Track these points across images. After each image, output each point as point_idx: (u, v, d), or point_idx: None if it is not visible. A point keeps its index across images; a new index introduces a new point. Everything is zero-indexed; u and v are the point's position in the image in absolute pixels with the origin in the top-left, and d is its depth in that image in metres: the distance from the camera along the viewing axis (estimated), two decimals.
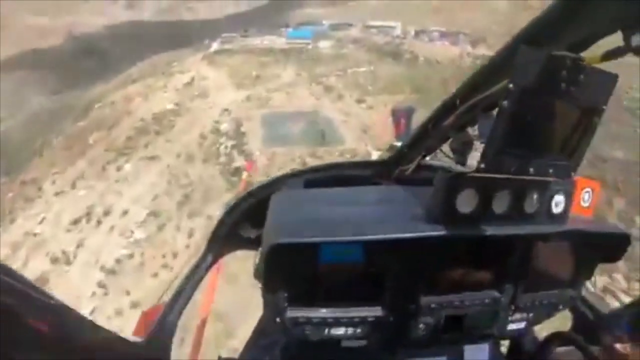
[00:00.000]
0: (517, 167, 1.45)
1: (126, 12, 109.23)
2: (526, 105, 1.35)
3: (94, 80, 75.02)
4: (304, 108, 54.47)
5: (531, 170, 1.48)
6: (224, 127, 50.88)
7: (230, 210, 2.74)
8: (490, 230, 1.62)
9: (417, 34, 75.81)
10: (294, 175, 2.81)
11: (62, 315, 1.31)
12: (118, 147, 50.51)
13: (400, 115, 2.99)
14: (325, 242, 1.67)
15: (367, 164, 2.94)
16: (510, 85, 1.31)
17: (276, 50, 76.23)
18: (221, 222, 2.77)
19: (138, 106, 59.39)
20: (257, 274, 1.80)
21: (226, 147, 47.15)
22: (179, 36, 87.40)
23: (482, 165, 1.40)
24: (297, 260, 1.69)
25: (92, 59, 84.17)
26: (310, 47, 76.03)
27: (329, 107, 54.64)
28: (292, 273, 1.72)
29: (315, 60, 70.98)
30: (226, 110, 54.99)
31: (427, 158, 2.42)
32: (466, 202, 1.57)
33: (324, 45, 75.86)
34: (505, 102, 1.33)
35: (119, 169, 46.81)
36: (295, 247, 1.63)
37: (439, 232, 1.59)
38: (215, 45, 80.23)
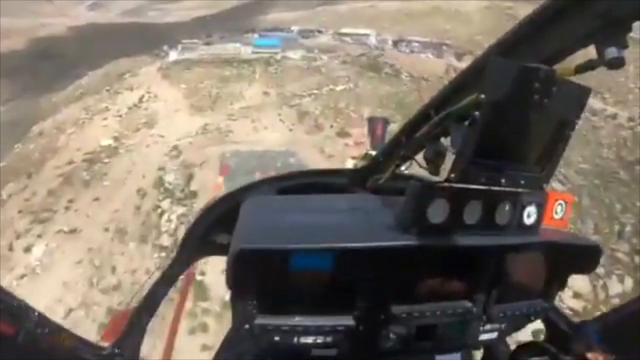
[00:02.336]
0: (488, 177, 1.35)
1: (91, 13, 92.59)
2: (498, 117, 1.24)
3: (47, 89, 59.15)
4: (274, 145, 37.85)
5: (503, 181, 1.38)
6: (170, 179, 33.79)
7: (203, 216, 2.43)
8: (461, 241, 1.48)
9: (396, 43, 59.83)
10: (267, 181, 2.51)
11: (30, 318, 1.24)
12: (34, 208, 33.41)
13: (376, 125, 2.63)
14: (294, 249, 1.51)
15: (341, 173, 2.63)
16: (482, 96, 1.19)
17: (241, 60, 60.11)
18: (193, 227, 2.45)
19: (70, 140, 41.59)
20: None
21: (170, 220, 30.01)
22: (141, 40, 70.45)
23: (453, 176, 1.30)
24: (266, 267, 1.51)
25: (50, 65, 67.10)
26: (279, 57, 60.24)
27: (306, 143, 38.42)
28: (261, 280, 1.53)
29: (285, 74, 54.76)
30: (175, 148, 37.81)
31: (402, 168, 2.04)
32: (437, 212, 1.42)
33: (294, 55, 60.12)
34: (476, 113, 1.21)
35: (27, 249, 29.58)
36: (263, 253, 1.48)
37: (409, 241, 1.44)
38: (173, 54, 63.41)
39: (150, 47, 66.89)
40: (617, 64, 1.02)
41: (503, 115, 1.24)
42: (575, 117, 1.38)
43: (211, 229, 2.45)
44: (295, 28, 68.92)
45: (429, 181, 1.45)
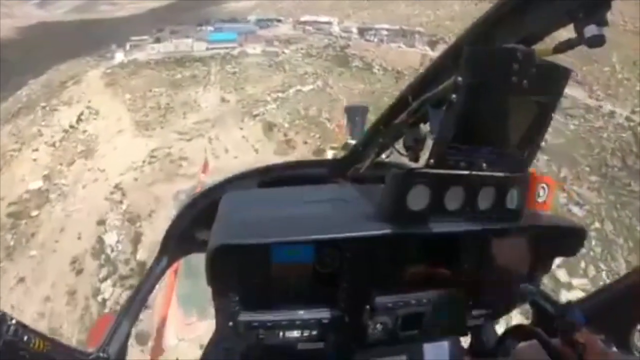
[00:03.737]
0: (469, 162, 1.27)
1: (39, 11, 78.52)
2: (476, 99, 1.15)
3: None
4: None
5: (484, 165, 1.29)
6: (112, 240, 24.38)
7: (183, 212, 2.24)
8: (443, 228, 1.40)
9: (362, 32, 50.55)
10: (247, 175, 2.29)
11: (8, 327, 1.15)
12: None
13: (355, 114, 2.51)
14: (274, 242, 1.41)
15: (322, 163, 2.46)
16: (459, 79, 1.11)
17: (194, 59, 49.38)
18: (174, 224, 2.26)
19: None
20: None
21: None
22: (90, 39, 57.83)
23: (432, 161, 1.22)
24: (246, 262, 1.41)
25: None
26: (236, 52, 49.76)
27: None
28: (242, 276, 1.43)
29: (245, 73, 45.27)
30: (118, 188, 28.46)
31: (383, 156, 1.91)
32: (418, 199, 1.32)
33: (254, 50, 49.85)
34: (454, 96, 1.13)
35: None
36: (242, 248, 1.36)
37: (389, 230, 1.35)
38: (119, 56, 51.75)
39: (97, 47, 55.21)
40: (597, 42, 0.95)
41: (481, 97, 1.14)
42: (556, 98, 1.28)
43: (192, 225, 2.21)
44: (252, 18, 58.57)
45: (408, 168, 1.37)
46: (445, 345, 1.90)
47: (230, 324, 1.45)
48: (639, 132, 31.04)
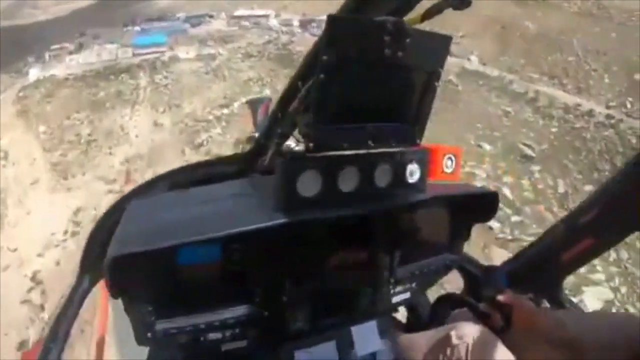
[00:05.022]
0: (355, 141, 1.19)
1: None
2: (351, 76, 1.07)
3: None
4: None
5: (370, 142, 1.21)
6: None
7: (99, 226, 2.05)
8: (339, 211, 1.28)
9: (304, 25, 42.89)
10: (157, 180, 2.14)
11: None
12: None
13: (258, 106, 2.31)
14: (173, 246, 1.23)
15: (230, 159, 2.30)
16: (324, 57, 1.02)
17: (119, 69, 40.18)
18: (90, 241, 2.06)
19: None
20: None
21: None
22: (8, 49, 45.14)
23: (311, 145, 1.13)
24: (150, 269, 1.25)
25: None
26: (167, 57, 40.93)
27: None
28: (150, 283, 1.28)
29: (179, 84, 37.09)
30: (36, 281, 20.08)
31: (292, 144, 1.78)
32: (309, 185, 1.22)
33: (187, 54, 41.18)
34: (321, 76, 1.04)
35: None
36: (140, 256, 1.18)
37: (282, 220, 1.22)
38: (35, 72, 41.63)
39: (15, 59, 44.70)
40: (462, 4, 0.92)
41: (355, 74, 1.07)
42: (438, 66, 1.20)
43: (108, 240, 1.71)
44: (181, 15, 49.20)
45: (293, 154, 1.29)
46: (373, 324, 1.72)
47: (149, 335, 1.29)
48: (621, 131, 26.80)
